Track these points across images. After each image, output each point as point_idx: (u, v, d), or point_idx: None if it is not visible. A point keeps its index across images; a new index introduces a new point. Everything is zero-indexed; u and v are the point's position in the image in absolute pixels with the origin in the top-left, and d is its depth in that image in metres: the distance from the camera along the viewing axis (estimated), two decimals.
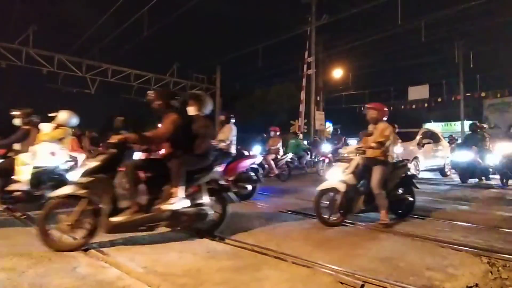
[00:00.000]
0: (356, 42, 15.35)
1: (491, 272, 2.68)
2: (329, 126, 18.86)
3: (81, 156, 9.62)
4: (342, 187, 4.05)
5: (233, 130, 5.96)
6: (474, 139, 8.46)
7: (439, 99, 20.26)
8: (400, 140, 8.26)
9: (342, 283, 2.39)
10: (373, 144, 4.10)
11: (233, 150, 5.82)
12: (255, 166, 6.18)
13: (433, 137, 10.32)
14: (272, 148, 9.23)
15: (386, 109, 4.47)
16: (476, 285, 2.43)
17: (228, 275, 2.55)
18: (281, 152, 9.27)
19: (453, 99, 19.84)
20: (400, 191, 4.43)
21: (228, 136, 5.82)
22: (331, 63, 18.63)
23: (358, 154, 4.19)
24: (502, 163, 7.93)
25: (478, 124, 9.11)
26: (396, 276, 2.55)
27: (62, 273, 2.52)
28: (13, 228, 3.87)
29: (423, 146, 9.53)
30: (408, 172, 4.64)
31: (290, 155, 9.75)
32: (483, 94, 19.80)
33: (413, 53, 17.76)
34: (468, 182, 8.37)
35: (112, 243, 3.24)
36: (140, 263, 2.75)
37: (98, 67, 15.62)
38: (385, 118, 4.39)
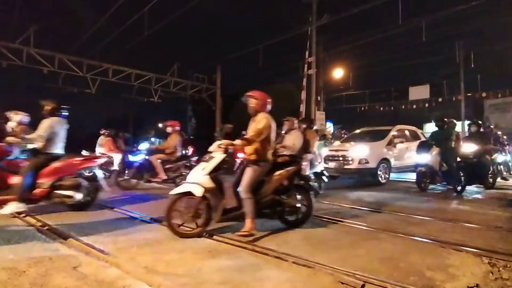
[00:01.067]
0: (357, 42, 15.34)
1: (492, 273, 2.68)
2: (329, 126, 18.85)
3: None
4: (198, 191, 3.45)
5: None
6: (438, 138, 7.33)
7: (440, 99, 20.23)
8: (317, 138, 6.87)
9: (342, 283, 2.39)
10: (238, 141, 3.54)
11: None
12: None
13: (411, 135, 9.71)
14: (160, 148, 7.59)
15: (269, 100, 3.88)
16: (477, 285, 2.43)
17: (229, 274, 2.55)
18: (178, 153, 7.39)
19: (454, 99, 19.80)
20: (284, 196, 3.86)
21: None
22: (331, 63, 18.62)
23: (223, 152, 3.60)
24: (458, 165, 7.08)
25: (446, 119, 7.68)
26: (396, 276, 2.54)
27: (63, 272, 2.53)
28: (15, 228, 3.88)
29: (395, 146, 8.89)
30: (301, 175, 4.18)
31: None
32: (484, 94, 19.78)
33: (414, 53, 17.76)
34: (428, 190, 7.21)
35: (113, 243, 3.25)
36: (141, 262, 2.76)
37: (99, 67, 15.62)
38: (268, 109, 3.84)
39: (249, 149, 3.66)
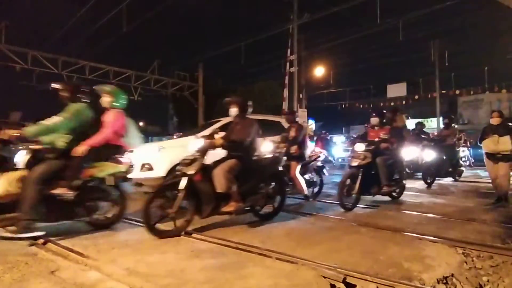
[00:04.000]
0: (337, 40, 15.60)
1: (466, 262, 2.81)
2: (311, 124, 19.10)
3: None
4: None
5: None
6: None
7: (416, 97, 20.95)
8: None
9: (325, 277, 2.44)
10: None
11: None
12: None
13: (271, 129, 7.58)
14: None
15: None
16: (452, 275, 2.54)
17: (212, 273, 2.54)
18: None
19: (429, 96, 20.53)
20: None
21: None
22: (313, 61, 18.84)
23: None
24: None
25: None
26: (376, 268, 2.62)
27: (39, 277, 2.44)
28: None
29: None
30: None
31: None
32: (457, 92, 20.62)
33: (391, 52, 18.24)
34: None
35: (93, 245, 3.16)
36: (122, 264, 2.70)
37: (75, 63, 15.10)
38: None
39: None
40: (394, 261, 2.80)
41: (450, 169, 8.05)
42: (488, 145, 5.32)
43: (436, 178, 7.69)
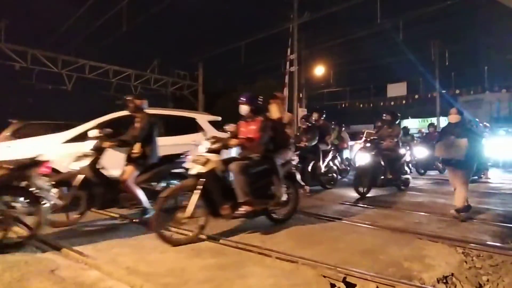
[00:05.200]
0: (337, 39, 15.58)
1: (466, 262, 2.81)
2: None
3: None
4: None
5: None
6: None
7: (416, 96, 20.94)
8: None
9: (325, 276, 2.44)
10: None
11: None
12: None
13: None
14: None
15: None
16: (452, 274, 2.54)
17: (212, 273, 2.54)
18: None
19: (429, 96, 20.53)
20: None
21: None
22: (313, 61, 18.82)
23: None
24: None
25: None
26: (376, 268, 2.62)
27: (39, 276, 2.44)
28: None
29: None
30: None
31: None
32: (457, 91, 20.62)
33: (391, 51, 18.23)
34: None
35: (93, 244, 3.16)
36: (122, 263, 2.70)
37: (75, 62, 15.05)
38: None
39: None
40: (394, 261, 2.80)
41: (390, 177, 6.22)
42: (439, 148, 4.47)
43: (373, 187, 6.07)
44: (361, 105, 23.32)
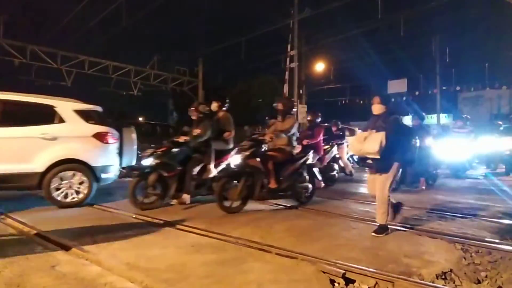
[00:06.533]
0: (337, 36, 15.51)
1: (465, 258, 2.82)
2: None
3: None
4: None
5: None
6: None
7: (417, 93, 20.89)
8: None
9: (324, 272, 2.45)
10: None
11: None
12: None
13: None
14: None
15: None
16: (451, 270, 2.56)
17: (213, 268, 2.55)
18: None
19: (430, 92, 20.49)
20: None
21: None
22: (313, 57, 18.76)
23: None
24: None
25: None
26: (376, 264, 2.63)
27: (40, 272, 2.45)
28: None
29: None
30: None
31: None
32: (458, 88, 20.58)
33: (392, 48, 18.17)
34: None
35: (93, 240, 3.17)
36: (122, 259, 2.71)
37: (74, 58, 15.00)
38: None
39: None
40: (394, 257, 2.82)
41: (274, 186, 4.78)
42: (352, 144, 3.72)
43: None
44: (362, 102, 23.26)
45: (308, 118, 7.03)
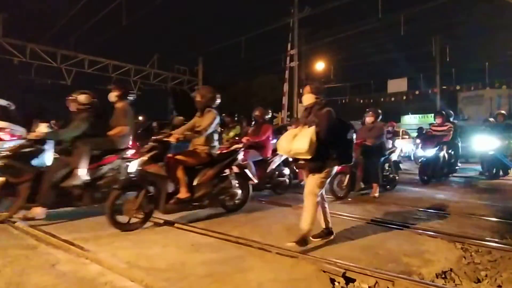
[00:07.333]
0: (337, 35, 15.51)
1: (465, 257, 2.82)
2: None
3: None
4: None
5: None
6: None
7: (417, 92, 20.88)
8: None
9: (324, 271, 2.45)
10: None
11: None
12: None
13: None
14: None
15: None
16: (451, 269, 2.56)
17: (213, 267, 2.55)
18: None
19: (430, 91, 20.47)
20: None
21: None
22: (313, 56, 18.76)
23: None
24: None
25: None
26: (376, 263, 2.63)
27: (41, 270, 2.45)
28: None
29: None
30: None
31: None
32: (458, 87, 20.56)
33: (392, 47, 18.17)
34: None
35: (93, 239, 3.17)
36: (123, 258, 2.71)
37: (74, 57, 15.00)
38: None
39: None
40: (394, 256, 2.82)
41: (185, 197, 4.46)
42: (280, 144, 3.12)
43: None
44: (361, 101, 23.25)
45: (256, 114, 5.85)
